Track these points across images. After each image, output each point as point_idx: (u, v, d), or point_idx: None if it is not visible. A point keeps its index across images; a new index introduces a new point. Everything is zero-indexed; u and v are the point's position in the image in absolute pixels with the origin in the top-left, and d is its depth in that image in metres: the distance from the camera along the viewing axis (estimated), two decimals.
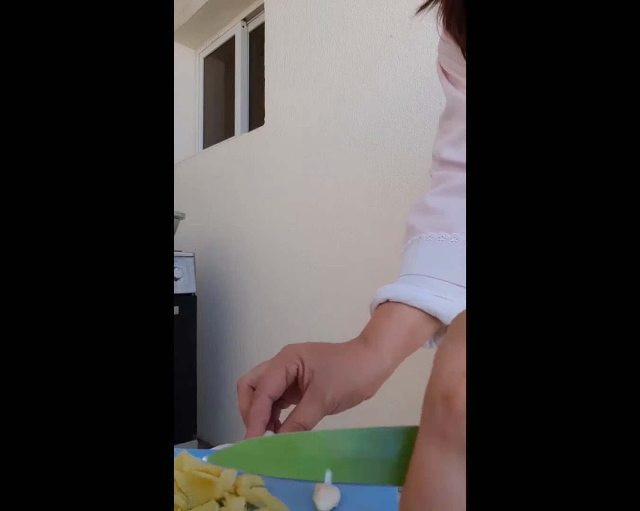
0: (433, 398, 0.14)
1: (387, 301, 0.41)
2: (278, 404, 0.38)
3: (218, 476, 0.29)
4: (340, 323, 1.23)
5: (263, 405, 0.35)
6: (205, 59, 2.22)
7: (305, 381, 0.35)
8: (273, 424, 0.37)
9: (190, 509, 0.28)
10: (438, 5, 0.41)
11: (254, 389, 0.37)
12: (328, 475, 0.16)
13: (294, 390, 0.37)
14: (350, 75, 1.22)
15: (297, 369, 0.36)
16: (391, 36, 1.12)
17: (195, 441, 1.54)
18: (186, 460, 0.30)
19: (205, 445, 1.74)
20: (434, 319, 0.40)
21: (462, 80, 0.46)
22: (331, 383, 0.35)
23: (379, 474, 0.16)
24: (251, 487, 0.30)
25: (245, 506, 0.29)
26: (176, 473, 0.29)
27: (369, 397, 0.37)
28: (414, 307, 0.40)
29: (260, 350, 1.52)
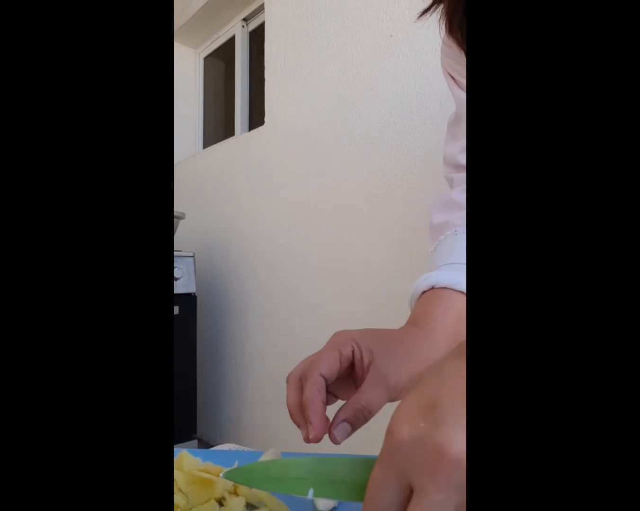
0: (385, 434, 0.19)
1: (432, 288, 0.40)
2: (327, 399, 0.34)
3: (218, 476, 0.29)
4: (341, 323, 1.23)
5: (318, 383, 0.31)
6: (206, 58, 2.22)
7: (366, 362, 0.32)
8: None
9: (190, 509, 0.28)
10: (440, 9, 0.41)
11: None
12: (311, 492, 0.21)
13: (347, 382, 0.34)
14: (350, 75, 1.22)
15: (353, 351, 0.33)
16: (391, 36, 1.12)
17: (195, 441, 1.54)
18: (186, 460, 0.30)
19: (205, 444, 1.74)
20: None
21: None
22: (393, 365, 0.32)
23: (351, 493, 0.21)
24: (251, 487, 0.30)
25: (245, 506, 0.29)
26: (176, 473, 0.29)
27: None
28: (461, 292, 0.39)
29: (260, 350, 1.52)
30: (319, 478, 0.21)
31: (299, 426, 0.32)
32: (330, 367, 0.32)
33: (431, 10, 0.41)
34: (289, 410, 0.33)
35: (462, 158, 0.48)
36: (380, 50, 1.14)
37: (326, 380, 0.32)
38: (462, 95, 0.46)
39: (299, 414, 0.32)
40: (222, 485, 0.29)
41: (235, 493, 0.30)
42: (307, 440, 0.30)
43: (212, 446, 0.45)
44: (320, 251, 1.30)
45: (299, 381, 0.33)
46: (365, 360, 0.33)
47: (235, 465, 0.30)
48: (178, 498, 0.28)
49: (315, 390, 0.31)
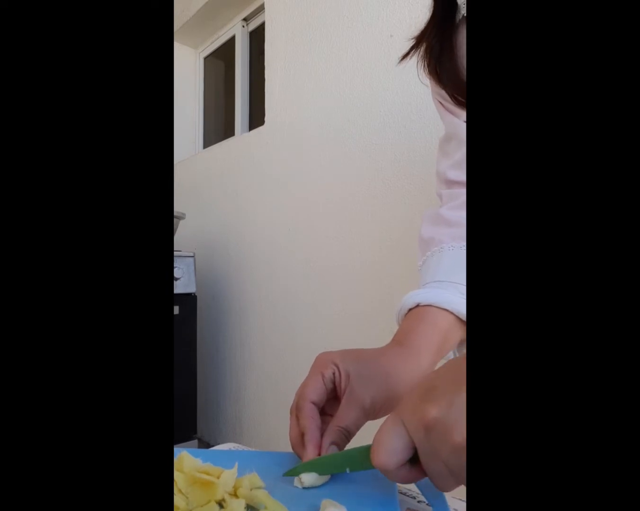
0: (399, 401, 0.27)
1: (417, 306, 0.41)
2: (323, 421, 0.37)
3: (218, 477, 0.29)
4: (340, 323, 1.23)
5: (310, 412, 0.34)
6: (206, 58, 2.22)
7: (343, 385, 0.35)
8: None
9: (191, 510, 0.28)
10: (418, 53, 0.44)
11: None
12: (347, 469, 0.31)
13: (335, 402, 0.36)
14: (350, 75, 1.22)
15: (334, 373, 0.35)
16: (391, 36, 1.12)
17: (195, 441, 1.54)
18: (186, 461, 0.30)
19: (205, 444, 1.74)
20: (464, 324, 0.40)
21: (454, 108, 0.49)
22: (369, 387, 0.34)
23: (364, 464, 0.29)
24: (251, 489, 0.30)
25: (245, 507, 0.28)
26: (176, 474, 0.29)
27: None
28: (445, 310, 0.39)
29: (260, 349, 1.52)
30: (350, 462, 0.31)
31: (299, 456, 0.34)
32: (317, 392, 0.35)
33: (410, 54, 0.45)
34: (291, 442, 0.36)
35: (451, 174, 0.50)
36: (380, 50, 1.14)
37: (317, 405, 0.35)
38: (449, 117, 0.50)
39: (299, 446, 0.35)
40: (223, 487, 0.29)
41: (235, 495, 0.30)
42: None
43: (212, 446, 0.45)
44: (320, 251, 1.30)
45: (295, 413, 0.36)
46: (343, 383, 0.35)
47: (236, 465, 0.30)
48: (178, 499, 0.28)
49: (309, 419, 0.34)
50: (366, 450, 0.29)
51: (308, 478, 0.32)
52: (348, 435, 0.34)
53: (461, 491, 0.27)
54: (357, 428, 0.34)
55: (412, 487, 0.35)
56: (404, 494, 0.35)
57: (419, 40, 0.44)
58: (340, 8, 1.25)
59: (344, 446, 0.34)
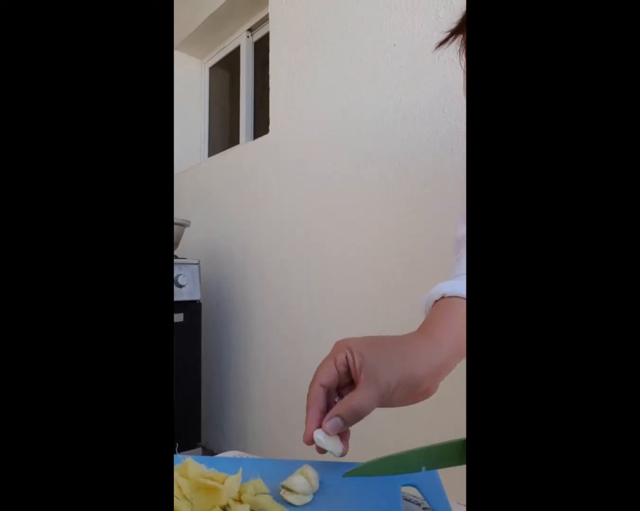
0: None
1: (443, 297, 0.42)
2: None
3: (223, 483, 0.29)
4: (346, 331, 1.23)
5: (315, 393, 0.36)
6: (211, 68, 2.24)
7: (357, 366, 0.35)
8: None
9: None
10: (459, 39, 0.42)
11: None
12: (423, 468, 0.30)
13: (352, 387, 0.37)
14: (354, 84, 1.23)
15: (346, 356, 0.36)
16: (395, 45, 1.13)
17: (199, 449, 1.54)
18: (191, 467, 0.30)
19: (209, 452, 1.73)
20: None
21: None
22: (383, 367, 0.34)
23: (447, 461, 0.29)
24: (255, 494, 0.30)
25: None
26: (181, 480, 0.29)
27: (427, 390, 0.36)
28: None
29: (264, 357, 1.52)
30: (425, 461, 0.30)
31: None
32: (328, 374, 0.36)
33: (449, 40, 0.43)
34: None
35: None
36: (384, 59, 1.15)
37: (326, 387, 0.36)
38: None
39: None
40: (227, 492, 0.29)
41: (239, 500, 0.30)
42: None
43: (216, 454, 0.45)
44: (325, 258, 1.30)
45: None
46: (357, 364, 0.35)
47: (240, 471, 0.30)
48: (183, 505, 0.28)
49: (312, 400, 0.35)
50: (449, 447, 0.29)
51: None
52: (360, 412, 0.33)
53: (465, 496, 0.27)
54: (371, 407, 0.34)
55: (416, 494, 0.35)
56: (409, 500, 0.35)
57: (461, 26, 0.42)
58: (343, 18, 1.26)
59: (351, 423, 0.34)
